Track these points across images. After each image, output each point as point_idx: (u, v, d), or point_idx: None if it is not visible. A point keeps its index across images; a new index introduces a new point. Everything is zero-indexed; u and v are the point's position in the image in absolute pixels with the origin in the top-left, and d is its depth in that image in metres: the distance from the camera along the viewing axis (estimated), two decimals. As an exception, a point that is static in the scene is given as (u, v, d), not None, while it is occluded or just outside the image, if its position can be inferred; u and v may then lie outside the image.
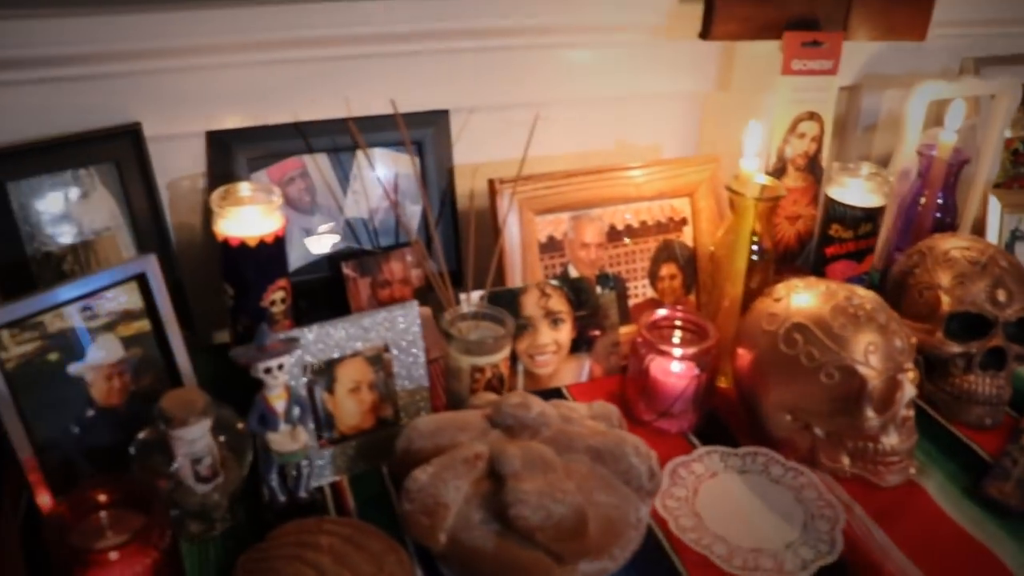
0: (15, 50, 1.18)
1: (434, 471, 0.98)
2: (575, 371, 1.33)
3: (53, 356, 1.04)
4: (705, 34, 1.40)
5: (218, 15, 1.24)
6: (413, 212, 1.41)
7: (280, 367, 0.99)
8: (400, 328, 1.14)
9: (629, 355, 1.29)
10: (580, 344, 1.33)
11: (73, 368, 1.06)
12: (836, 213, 1.40)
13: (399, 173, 1.39)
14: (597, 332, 1.33)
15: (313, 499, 1.08)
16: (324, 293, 1.35)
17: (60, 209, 1.21)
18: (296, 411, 1.03)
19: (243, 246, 1.13)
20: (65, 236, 1.22)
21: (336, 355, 1.11)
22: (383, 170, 1.38)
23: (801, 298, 1.18)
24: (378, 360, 1.14)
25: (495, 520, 0.95)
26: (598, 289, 1.32)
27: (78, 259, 1.23)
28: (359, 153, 1.36)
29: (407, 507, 0.97)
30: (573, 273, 1.36)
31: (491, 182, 1.31)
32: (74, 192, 1.22)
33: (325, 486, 1.13)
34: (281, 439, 1.01)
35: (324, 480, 1.13)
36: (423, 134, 1.38)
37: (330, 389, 1.12)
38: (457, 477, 0.98)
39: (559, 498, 0.94)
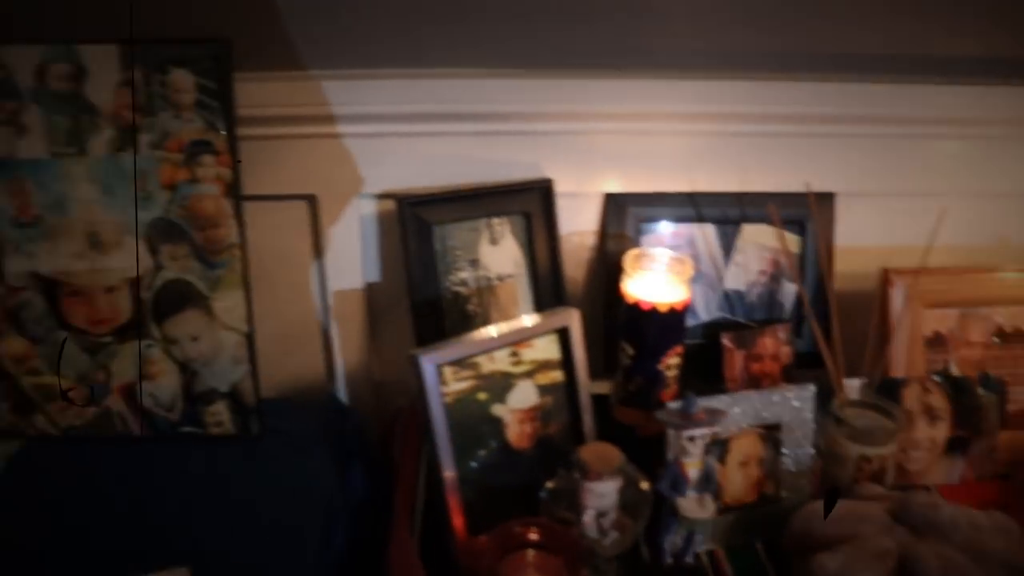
0: (447, 105, 1.29)
1: (844, 560, 0.98)
2: (946, 471, 1.29)
3: (482, 395, 1.12)
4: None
5: (629, 85, 1.31)
6: (788, 290, 1.41)
7: (702, 436, 1.02)
8: (795, 408, 1.15)
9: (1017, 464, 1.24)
10: (953, 444, 1.29)
11: (497, 409, 1.13)
12: None
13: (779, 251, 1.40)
14: (970, 433, 1.29)
15: (698, 566, 1.10)
16: (695, 360, 1.37)
17: (473, 253, 1.31)
18: (706, 480, 1.06)
19: (653, 310, 1.17)
20: (473, 279, 1.31)
21: (734, 428, 1.13)
22: (764, 247, 1.40)
23: None
24: (770, 437, 1.15)
25: (907, 622, 0.94)
26: (980, 390, 1.29)
27: (481, 301, 1.32)
28: (744, 227, 1.38)
29: (814, 593, 0.97)
30: (955, 371, 1.33)
31: (885, 272, 1.31)
32: (486, 238, 1.31)
33: (702, 554, 1.15)
34: (691, 505, 1.05)
35: (703, 548, 1.15)
36: (807, 214, 1.39)
37: (722, 460, 1.14)
38: (867, 570, 0.97)
39: (980, 613, 0.92)
